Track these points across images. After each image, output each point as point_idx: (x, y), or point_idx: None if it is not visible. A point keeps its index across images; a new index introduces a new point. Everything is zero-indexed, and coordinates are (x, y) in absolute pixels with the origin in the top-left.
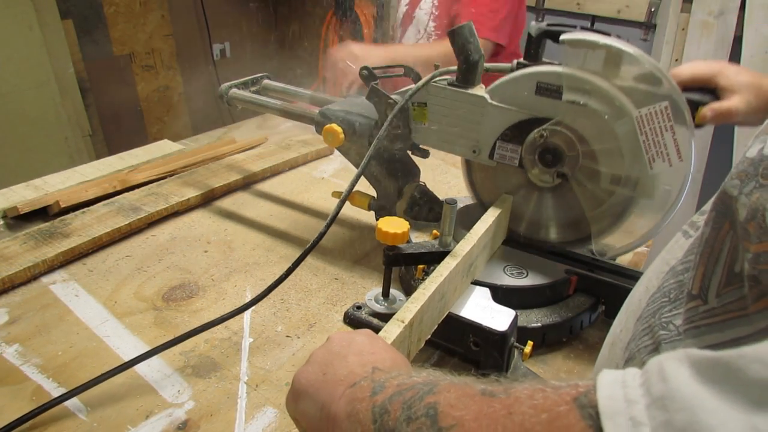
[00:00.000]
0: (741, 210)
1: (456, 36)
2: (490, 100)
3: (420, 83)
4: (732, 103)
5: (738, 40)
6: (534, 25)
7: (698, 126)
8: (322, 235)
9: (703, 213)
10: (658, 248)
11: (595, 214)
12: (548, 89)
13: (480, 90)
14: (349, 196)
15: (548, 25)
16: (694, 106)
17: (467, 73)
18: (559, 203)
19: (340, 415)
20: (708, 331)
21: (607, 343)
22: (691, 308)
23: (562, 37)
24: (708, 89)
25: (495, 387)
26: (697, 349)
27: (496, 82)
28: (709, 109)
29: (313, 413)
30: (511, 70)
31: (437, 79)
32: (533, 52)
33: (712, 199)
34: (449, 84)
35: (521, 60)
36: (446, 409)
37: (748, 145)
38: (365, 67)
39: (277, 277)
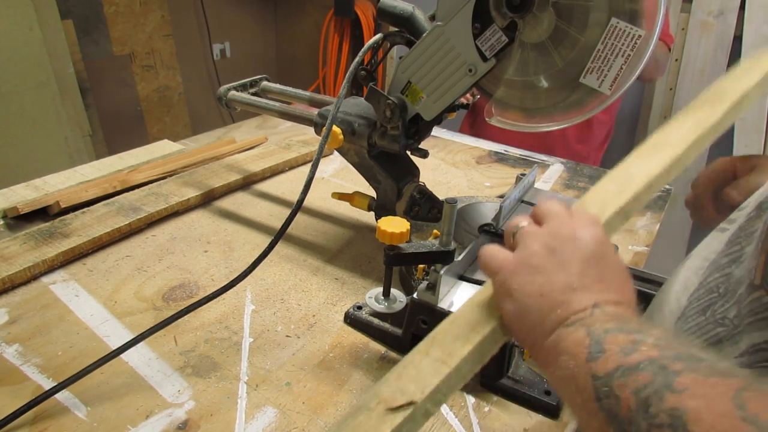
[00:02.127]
0: None
1: (382, 12)
2: (442, 23)
3: (366, 46)
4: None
5: (738, 40)
6: None
7: None
8: (300, 202)
9: (741, 209)
10: (658, 249)
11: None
12: None
13: (430, 26)
14: (348, 196)
15: None
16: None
17: (413, 28)
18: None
19: (550, 356)
20: None
21: None
22: (754, 299)
23: None
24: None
25: (754, 393)
26: None
27: (436, 10)
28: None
29: (528, 309)
30: None
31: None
32: None
33: (754, 196)
34: (407, 44)
35: None
36: (698, 427)
37: None
38: (363, 68)
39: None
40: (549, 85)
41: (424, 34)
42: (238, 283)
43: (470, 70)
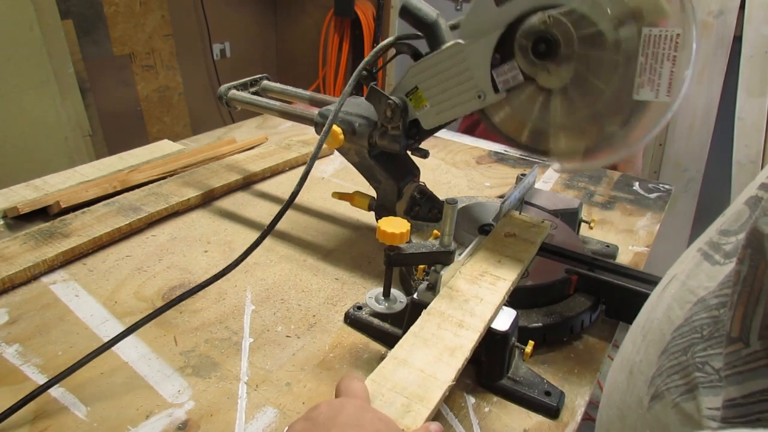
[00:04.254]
0: None
1: (406, 11)
2: (463, 42)
3: (376, 48)
4: None
5: (738, 40)
6: None
7: None
8: (295, 194)
9: (726, 234)
10: (659, 249)
11: (571, 122)
12: None
13: (451, 40)
14: (348, 196)
15: None
16: None
17: (433, 36)
18: (569, 104)
19: None
20: (752, 377)
21: (622, 369)
22: (732, 352)
23: None
24: None
25: None
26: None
27: (460, 22)
28: None
29: None
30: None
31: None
32: None
33: (746, 228)
34: (425, 54)
35: None
36: None
37: None
38: (365, 68)
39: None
40: (603, 116)
41: (443, 46)
42: (230, 271)
43: (479, 96)
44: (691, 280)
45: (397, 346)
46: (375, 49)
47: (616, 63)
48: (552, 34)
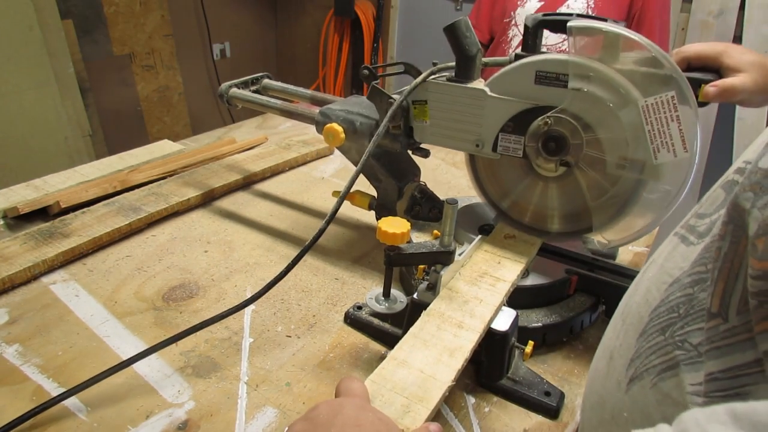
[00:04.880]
0: (752, 224)
1: (452, 32)
2: (490, 93)
3: (418, 80)
4: (737, 80)
5: (737, 40)
6: (530, 16)
7: (701, 104)
8: (322, 231)
9: (701, 216)
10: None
11: (597, 203)
12: (547, 77)
13: (479, 83)
14: (348, 195)
15: (544, 15)
16: (697, 84)
17: (465, 67)
18: (563, 193)
19: None
20: (730, 351)
21: (603, 356)
22: (711, 327)
23: (570, 24)
24: (712, 69)
25: None
26: (739, 404)
27: (496, 74)
28: (713, 86)
29: None
30: (510, 62)
31: (436, 76)
32: (530, 42)
33: (722, 208)
34: (448, 80)
35: (518, 51)
36: None
37: (760, 152)
38: (365, 67)
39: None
40: (628, 189)
41: (470, 84)
42: (258, 298)
43: (477, 145)
44: (667, 263)
45: (396, 347)
46: (417, 80)
47: (623, 140)
48: (564, 137)
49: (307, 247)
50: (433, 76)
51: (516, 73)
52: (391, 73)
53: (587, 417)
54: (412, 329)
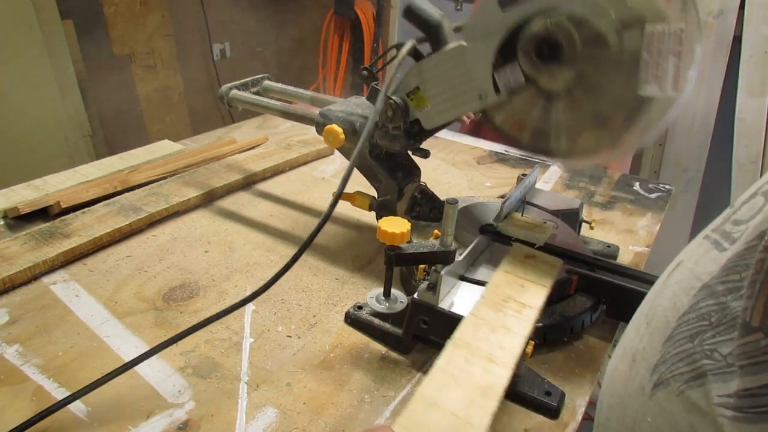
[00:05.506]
0: None
1: (411, 12)
2: (466, 44)
3: (396, 66)
4: None
5: (737, 40)
6: None
7: None
8: (319, 227)
9: (737, 223)
10: (659, 249)
11: (576, 122)
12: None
13: (454, 42)
14: (348, 196)
15: None
16: None
17: (436, 36)
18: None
19: None
20: None
21: (624, 357)
22: (750, 342)
23: None
24: None
25: None
26: None
27: (464, 25)
28: None
29: None
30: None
31: (400, 56)
32: None
33: (758, 215)
34: (427, 55)
35: None
36: None
37: None
38: (365, 68)
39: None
40: (606, 113)
41: (446, 47)
42: (256, 297)
43: (480, 97)
44: (698, 267)
45: (425, 383)
46: (399, 57)
47: (619, 63)
48: (555, 37)
49: (308, 242)
50: (398, 58)
51: (481, 12)
52: (391, 60)
53: (604, 417)
54: (439, 362)
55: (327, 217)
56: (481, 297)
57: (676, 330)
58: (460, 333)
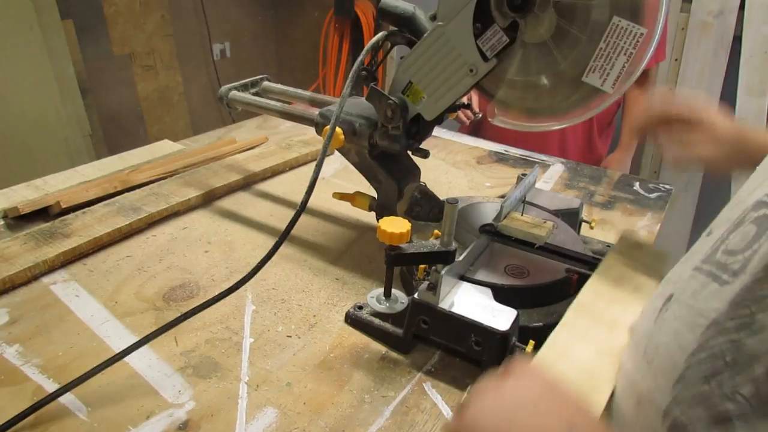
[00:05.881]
0: None
1: (384, 10)
2: (443, 24)
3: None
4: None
5: (737, 40)
6: None
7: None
8: (303, 204)
9: (732, 253)
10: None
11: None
12: None
13: (431, 26)
14: (348, 196)
15: None
16: None
17: (414, 27)
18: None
19: None
20: None
21: (628, 397)
22: None
23: None
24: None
25: None
26: None
27: (437, 10)
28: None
29: None
30: None
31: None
32: None
33: (755, 244)
34: (410, 46)
35: None
36: None
37: None
38: (364, 68)
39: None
40: (551, 85)
41: (425, 35)
42: (241, 286)
43: (471, 71)
44: (698, 303)
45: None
46: (366, 48)
47: (578, 39)
48: None
49: (290, 226)
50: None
51: None
52: (388, 51)
53: None
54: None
55: (308, 195)
56: (596, 274)
57: (687, 371)
58: (582, 297)
